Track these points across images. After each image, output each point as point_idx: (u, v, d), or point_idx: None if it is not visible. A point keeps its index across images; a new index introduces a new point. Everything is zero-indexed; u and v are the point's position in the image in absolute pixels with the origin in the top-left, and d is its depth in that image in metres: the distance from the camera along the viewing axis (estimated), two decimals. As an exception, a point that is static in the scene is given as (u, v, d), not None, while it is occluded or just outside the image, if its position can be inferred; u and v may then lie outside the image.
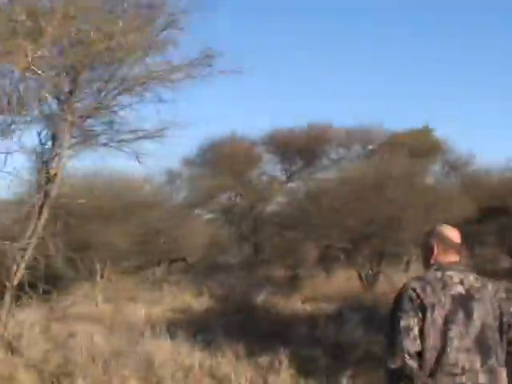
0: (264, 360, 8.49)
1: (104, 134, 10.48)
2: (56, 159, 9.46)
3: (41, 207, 9.26)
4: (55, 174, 9.31)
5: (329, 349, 9.57)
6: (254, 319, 11.78)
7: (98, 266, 14.92)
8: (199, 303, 15.29)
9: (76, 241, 15.14)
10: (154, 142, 10.58)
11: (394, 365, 2.91)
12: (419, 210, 15.90)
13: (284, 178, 25.69)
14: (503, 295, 3.13)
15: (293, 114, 58.94)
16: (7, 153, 9.52)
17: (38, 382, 7.26)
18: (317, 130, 25.44)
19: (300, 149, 25.02)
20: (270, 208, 22.62)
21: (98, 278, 14.97)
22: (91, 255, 15.19)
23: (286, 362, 8.02)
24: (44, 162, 9.57)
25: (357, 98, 47.55)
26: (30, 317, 9.70)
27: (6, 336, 8.89)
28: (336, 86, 48.65)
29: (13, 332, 9.01)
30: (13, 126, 9.56)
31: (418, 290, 3.00)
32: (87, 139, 10.18)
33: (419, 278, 3.11)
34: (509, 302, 3.12)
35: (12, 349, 8.63)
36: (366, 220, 16.56)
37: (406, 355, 2.89)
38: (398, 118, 49.40)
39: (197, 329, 10.97)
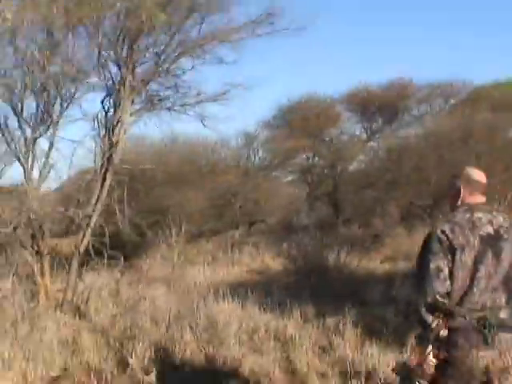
0: (332, 321, 8.26)
1: (167, 98, 10.41)
2: (119, 126, 9.47)
3: (104, 174, 9.33)
4: (118, 141, 9.33)
5: (402, 308, 9.20)
6: (326, 279, 11.52)
7: (173, 231, 15.00)
8: (276, 264, 15.18)
9: (152, 206, 15.37)
10: (219, 105, 10.45)
11: (424, 304, 3.00)
12: (502, 164, 15.07)
13: (364, 136, 25.02)
14: None
15: (371, 72, 57.33)
16: (71, 121, 9.67)
17: (102, 347, 7.30)
18: (397, 86, 24.55)
19: (380, 106, 24.24)
20: (351, 167, 22.11)
21: (174, 242, 15.07)
22: (167, 219, 15.33)
23: (352, 322, 7.75)
24: (107, 128, 9.61)
25: (437, 50, 45.63)
26: (99, 281, 9.83)
27: (75, 300, 9.06)
28: (415, 40, 46.82)
29: (81, 297, 9.15)
30: (76, 94, 9.66)
31: (447, 232, 3.05)
32: (150, 104, 10.13)
33: (448, 220, 3.15)
34: None
35: (80, 313, 8.79)
36: (449, 176, 15.86)
37: (438, 296, 2.98)
38: (481, 71, 46.95)
39: (269, 290, 10.85)
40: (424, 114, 24.64)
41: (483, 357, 3.01)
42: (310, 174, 22.13)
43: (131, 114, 9.53)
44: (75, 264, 9.17)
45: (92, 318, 8.57)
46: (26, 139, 9.39)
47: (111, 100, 9.71)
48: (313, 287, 10.74)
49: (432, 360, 3.05)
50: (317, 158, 22.57)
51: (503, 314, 3.03)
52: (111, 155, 9.28)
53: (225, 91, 10.31)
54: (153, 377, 6.06)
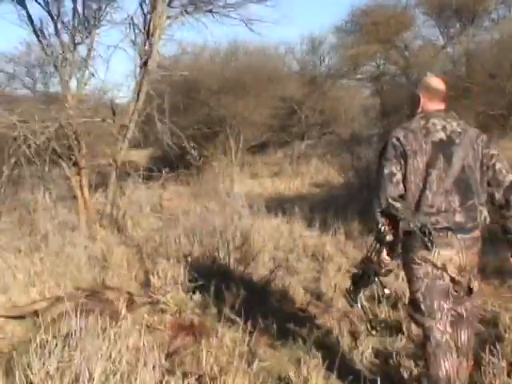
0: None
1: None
2: (157, 30, 8.87)
3: (141, 81, 8.84)
4: (153, 45, 8.76)
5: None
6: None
7: (232, 143, 14.50)
8: (339, 178, 14.52)
9: (210, 116, 14.85)
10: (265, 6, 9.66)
11: (379, 207, 3.24)
12: None
13: (440, 42, 23.21)
14: (484, 138, 3.31)
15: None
16: (110, 25, 9.16)
17: (131, 260, 7.02)
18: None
19: (457, 9, 22.23)
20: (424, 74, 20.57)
21: (234, 155, 14.59)
22: (226, 131, 14.83)
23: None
24: (145, 33, 9.04)
25: None
26: (143, 195, 9.51)
27: (114, 214, 8.82)
28: None
29: (122, 210, 8.90)
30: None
31: (401, 139, 3.22)
32: (190, 6, 9.41)
33: (403, 127, 3.29)
34: (488, 144, 3.31)
35: (118, 227, 8.56)
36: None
37: (390, 199, 3.20)
38: None
39: (325, 205, 10.32)
40: (502, 17, 22.51)
41: (442, 255, 3.19)
42: (379, 82, 20.80)
43: (168, 17, 8.87)
44: (114, 177, 8.86)
45: (129, 233, 8.31)
46: (63, 45, 8.95)
47: (150, 3, 9.05)
48: (364, 202, 10.09)
49: (385, 257, 3.37)
50: (388, 66, 21.16)
51: (458, 218, 3.17)
52: (146, 61, 8.74)
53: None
54: (169, 298, 5.70)
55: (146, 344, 3.92)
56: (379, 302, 5.46)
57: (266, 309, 5.49)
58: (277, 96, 16.49)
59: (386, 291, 4.04)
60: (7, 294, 6.07)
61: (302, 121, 18.13)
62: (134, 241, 7.91)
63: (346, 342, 4.73)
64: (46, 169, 7.55)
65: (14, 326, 5.17)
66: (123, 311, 5.38)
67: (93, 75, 9.34)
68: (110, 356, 3.77)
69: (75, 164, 8.51)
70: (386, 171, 3.19)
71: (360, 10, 22.05)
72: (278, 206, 10.02)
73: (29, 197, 7.41)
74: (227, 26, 9.74)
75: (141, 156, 18.24)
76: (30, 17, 8.87)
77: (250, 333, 4.80)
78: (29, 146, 7.59)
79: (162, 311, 5.66)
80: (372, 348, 4.55)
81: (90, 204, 8.66)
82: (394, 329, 4.98)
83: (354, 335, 4.88)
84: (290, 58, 19.65)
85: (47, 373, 3.50)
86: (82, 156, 8.51)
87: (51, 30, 9.01)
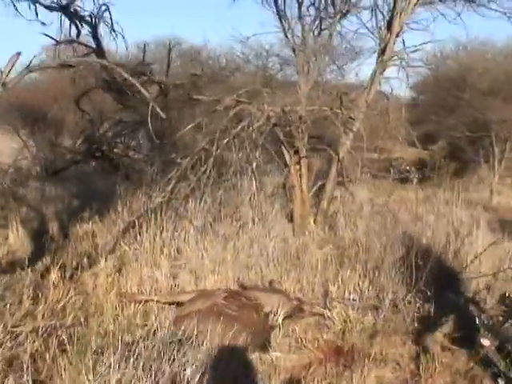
0: None
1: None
2: (399, 16, 8.04)
3: (375, 71, 8.13)
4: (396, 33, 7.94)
5: None
6: None
7: (496, 150, 12.91)
8: None
9: (474, 120, 13.45)
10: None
11: None
12: None
13: None
14: None
15: None
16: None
17: (327, 263, 6.39)
18: None
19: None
20: None
21: (496, 163, 13.00)
22: (490, 136, 13.25)
23: None
24: (388, 19, 8.28)
25: None
26: (364, 194, 8.76)
27: (329, 212, 8.26)
28: None
29: (338, 207, 8.31)
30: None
31: None
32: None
33: None
34: None
35: (330, 225, 7.98)
36: None
37: None
38: None
39: None
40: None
41: None
42: None
43: (415, 4, 7.93)
44: (333, 171, 8.27)
45: (340, 234, 7.68)
46: (304, 29, 8.59)
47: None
48: None
49: None
50: None
51: None
52: (384, 49, 7.98)
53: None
54: (335, 314, 5.00)
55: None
56: None
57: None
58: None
59: None
60: (194, 276, 5.96)
61: None
62: (342, 242, 7.28)
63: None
64: (257, 154, 7.23)
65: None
66: (277, 319, 4.86)
67: (334, 63, 8.84)
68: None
69: (296, 152, 8.11)
70: None
71: None
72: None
73: (233, 181, 7.20)
74: (488, 18, 8.38)
75: (410, 154, 17.45)
76: (275, -4, 8.66)
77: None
78: (251, 129, 7.34)
79: (328, 327, 4.99)
80: None
81: (307, 196, 8.19)
82: None
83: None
84: None
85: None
86: (303, 145, 8.07)
87: (294, 12, 8.69)
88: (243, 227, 7.03)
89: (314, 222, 8.11)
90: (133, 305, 4.92)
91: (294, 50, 8.72)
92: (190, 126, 7.25)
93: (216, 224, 6.98)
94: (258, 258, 6.39)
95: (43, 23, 6.58)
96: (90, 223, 7.26)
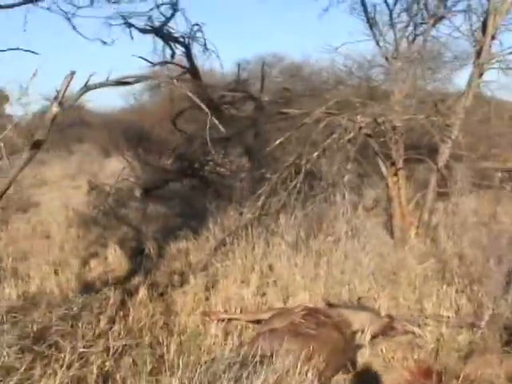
0: None
1: None
2: (494, 16, 7.60)
3: (472, 75, 7.72)
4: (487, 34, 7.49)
5: None
6: None
7: None
8: None
9: None
10: None
11: None
12: None
13: None
14: None
15: None
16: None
17: (427, 278, 6.08)
18: None
19: None
20: None
21: None
22: None
23: None
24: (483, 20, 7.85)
25: None
26: (468, 205, 8.23)
27: (431, 225, 7.87)
28: None
29: (439, 219, 7.92)
30: None
31: None
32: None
33: None
34: None
35: (432, 237, 7.59)
36: None
37: None
38: None
39: None
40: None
41: None
42: None
43: (510, 4, 7.47)
44: (433, 182, 7.88)
45: (442, 246, 7.28)
46: (396, 36, 8.33)
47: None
48: None
49: None
50: None
51: None
52: (480, 51, 7.55)
53: None
54: (427, 333, 4.70)
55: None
56: None
57: None
58: None
59: None
60: (284, 293, 5.84)
61: None
62: (443, 255, 6.90)
63: None
64: (348, 166, 7.02)
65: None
66: (365, 338, 4.63)
67: (429, 69, 8.50)
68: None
69: (392, 164, 7.80)
70: None
71: None
72: None
73: (325, 195, 7.01)
74: None
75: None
76: (364, 5, 8.45)
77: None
78: (342, 141, 7.16)
79: (419, 346, 4.69)
80: None
81: (406, 209, 7.85)
82: None
83: None
84: None
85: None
86: (399, 155, 7.75)
87: (385, 19, 8.45)
88: (337, 242, 6.83)
89: (416, 234, 7.77)
90: (215, 323, 4.85)
91: (386, 58, 8.45)
92: (279, 141, 7.15)
93: (309, 239, 6.82)
94: (351, 274, 6.17)
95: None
96: (184, 241, 7.29)
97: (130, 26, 8.29)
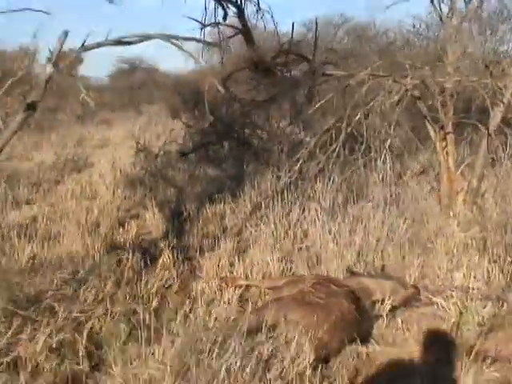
0: None
1: None
2: None
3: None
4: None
5: None
6: None
7: None
8: None
9: None
10: None
11: None
12: None
13: None
14: None
15: None
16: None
17: (466, 247, 5.86)
18: None
19: None
20: None
21: None
22: None
23: None
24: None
25: None
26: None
27: (480, 191, 7.53)
28: None
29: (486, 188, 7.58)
30: None
31: None
32: None
33: None
34: None
35: (480, 207, 7.28)
36: None
37: None
38: None
39: None
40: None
41: None
42: None
43: None
44: (483, 147, 7.51)
45: (489, 214, 6.96)
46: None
47: None
48: None
49: None
50: None
51: None
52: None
53: None
54: (451, 305, 4.52)
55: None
56: None
57: None
58: None
59: None
60: (316, 259, 5.76)
61: None
62: (488, 224, 6.61)
63: None
64: (391, 130, 6.77)
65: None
66: (384, 309, 4.50)
67: (486, 30, 8.06)
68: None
69: (441, 128, 7.49)
70: None
71: None
72: None
73: (365, 159, 6.79)
74: None
75: None
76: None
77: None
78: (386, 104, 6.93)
79: (442, 318, 4.53)
80: None
81: (454, 175, 7.55)
82: None
83: None
84: None
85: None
86: (449, 119, 7.42)
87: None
88: (376, 208, 6.65)
89: (463, 201, 7.47)
90: (232, 289, 4.81)
91: (440, 18, 8.05)
92: (320, 103, 6.98)
93: (346, 205, 6.67)
94: (386, 242, 6.01)
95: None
96: (222, 204, 7.26)
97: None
